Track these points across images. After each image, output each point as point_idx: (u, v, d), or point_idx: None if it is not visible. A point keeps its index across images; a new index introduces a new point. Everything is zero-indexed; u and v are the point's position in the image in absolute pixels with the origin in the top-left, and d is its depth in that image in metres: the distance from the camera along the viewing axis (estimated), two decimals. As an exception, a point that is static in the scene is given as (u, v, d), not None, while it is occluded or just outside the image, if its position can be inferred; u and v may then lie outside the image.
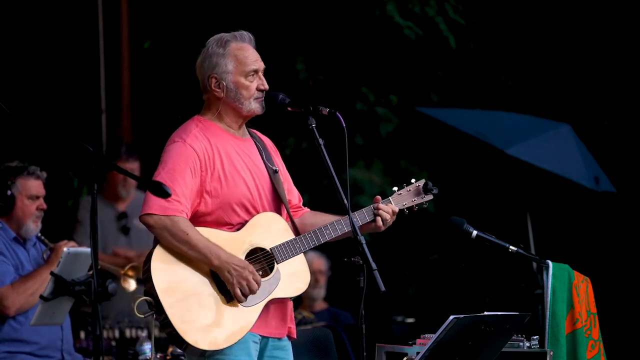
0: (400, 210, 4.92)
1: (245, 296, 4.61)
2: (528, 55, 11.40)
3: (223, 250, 4.61)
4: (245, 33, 4.83)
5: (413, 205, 4.96)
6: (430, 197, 4.98)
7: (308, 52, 10.66)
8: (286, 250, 4.73)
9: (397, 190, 4.95)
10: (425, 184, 4.96)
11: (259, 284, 4.62)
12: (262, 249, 4.72)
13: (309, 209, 5.03)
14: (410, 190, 4.96)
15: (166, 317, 4.55)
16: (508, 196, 10.80)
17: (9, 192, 6.30)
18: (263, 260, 4.72)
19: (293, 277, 4.77)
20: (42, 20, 10.12)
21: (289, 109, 4.79)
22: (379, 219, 4.85)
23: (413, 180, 4.99)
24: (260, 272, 4.69)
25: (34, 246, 6.48)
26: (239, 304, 4.63)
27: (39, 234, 6.46)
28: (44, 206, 6.40)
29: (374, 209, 4.85)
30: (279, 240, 4.74)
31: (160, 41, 10.98)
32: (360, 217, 4.83)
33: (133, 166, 7.97)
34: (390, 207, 4.86)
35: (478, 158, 10.81)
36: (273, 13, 10.48)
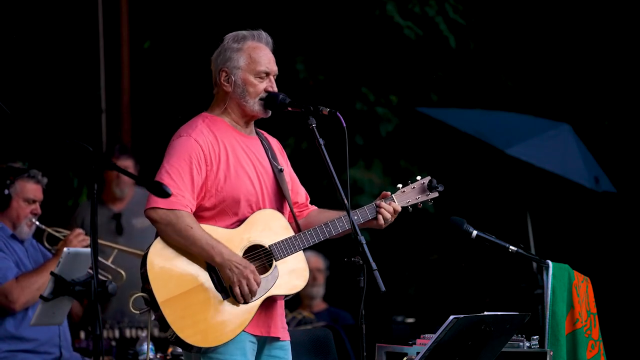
0: (404, 208, 4.92)
1: (244, 296, 4.61)
2: (528, 56, 11.40)
3: (226, 248, 4.61)
4: (263, 34, 4.84)
5: (417, 203, 4.95)
6: (435, 194, 4.95)
7: (308, 52, 10.66)
8: (285, 248, 4.73)
9: (402, 188, 4.93)
10: (430, 182, 4.93)
11: (259, 284, 4.62)
12: (260, 246, 4.72)
13: (316, 207, 5.02)
14: (414, 187, 4.94)
15: (161, 314, 4.56)
16: (508, 196, 10.80)
17: (5, 192, 6.33)
18: (263, 257, 4.72)
19: (291, 274, 4.76)
20: (42, 20, 10.12)
21: (290, 109, 4.79)
22: (380, 217, 4.84)
23: (418, 178, 4.96)
24: (260, 270, 4.69)
25: (31, 244, 6.51)
26: (235, 301, 4.62)
27: (38, 223, 6.48)
28: (39, 211, 6.43)
29: (376, 206, 4.84)
30: (278, 238, 4.74)
31: (160, 41, 10.98)
32: (362, 214, 4.81)
33: (126, 163, 7.93)
34: (392, 206, 4.85)
35: (478, 158, 10.81)
36: (273, 13, 10.48)
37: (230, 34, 4.86)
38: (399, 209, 4.87)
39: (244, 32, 4.84)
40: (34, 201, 6.42)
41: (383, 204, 4.84)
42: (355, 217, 4.75)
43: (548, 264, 5.49)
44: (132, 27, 9.82)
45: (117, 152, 8.04)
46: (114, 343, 7.62)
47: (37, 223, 6.48)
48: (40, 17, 10.10)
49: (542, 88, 11.42)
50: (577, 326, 5.46)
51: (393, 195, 4.91)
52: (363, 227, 4.82)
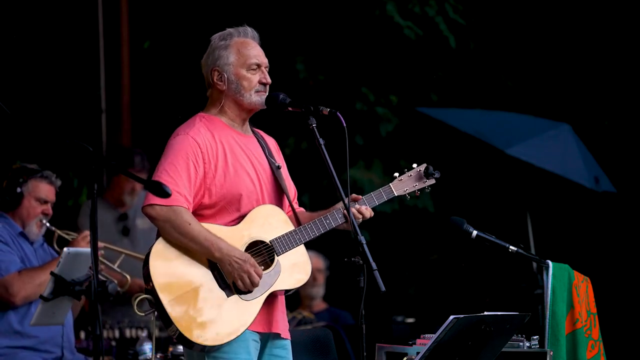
0: (402, 195, 4.94)
1: (247, 287, 4.62)
2: (528, 56, 11.40)
3: (224, 242, 4.62)
4: (248, 29, 4.87)
5: (415, 191, 4.97)
6: (432, 181, 4.98)
7: (308, 52, 10.66)
8: (286, 242, 4.74)
9: (398, 176, 4.96)
10: (427, 168, 4.97)
11: (260, 277, 4.63)
12: (262, 242, 4.73)
13: (303, 209, 5.03)
14: (411, 175, 4.97)
15: (166, 314, 4.56)
16: (508, 196, 10.80)
17: (18, 190, 6.36)
18: (264, 252, 4.72)
19: (294, 268, 4.77)
20: (42, 20, 10.12)
21: (290, 109, 4.79)
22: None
23: (414, 165, 4.99)
24: (262, 266, 4.69)
25: (41, 247, 6.52)
26: (239, 298, 4.64)
27: (48, 224, 6.49)
28: (50, 212, 6.44)
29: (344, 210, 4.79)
30: (278, 232, 4.75)
31: (160, 41, 10.98)
32: (332, 218, 4.81)
33: (142, 176, 7.91)
34: (361, 211, 4.81)
35: (478, 158, 10.81)
36: (273, 13, 10.48)
37: (216, 34, 4.87)
38: (368, 215, 4.83)
39: (229, 30, 4.86)
40: (46, 202, 6.44)
41: (353, 209, 4.80)
42: (327, 221, 4.76)
43: (548, 264, 5.49)
44: (132, 27, 9.82)
45: (138, 165, 7.96)
46: (114, 343, 7.62)
47: (47, 224, 6.48)
48: (40, 17, 10.10)
49: (542, 88, 11.42)
50: (577, 326, 5.46)
51: (390, 184, 4.93)
52: (339, 228, 4.82)
